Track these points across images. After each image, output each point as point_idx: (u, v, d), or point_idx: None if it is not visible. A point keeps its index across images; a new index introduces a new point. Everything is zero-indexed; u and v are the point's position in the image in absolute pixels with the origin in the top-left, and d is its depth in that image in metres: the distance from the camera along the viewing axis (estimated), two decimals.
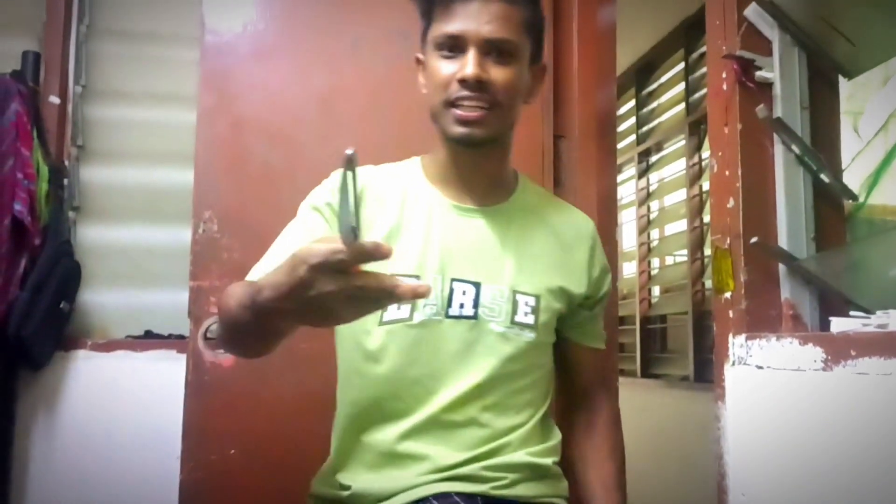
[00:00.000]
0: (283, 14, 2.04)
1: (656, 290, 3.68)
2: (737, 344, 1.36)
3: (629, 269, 3.97)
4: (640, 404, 4.10)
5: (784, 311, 1.36)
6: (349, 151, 0.74)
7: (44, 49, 2.17)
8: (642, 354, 3.65)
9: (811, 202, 1.40)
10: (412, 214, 1.23)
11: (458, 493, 1.12)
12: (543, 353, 1.26)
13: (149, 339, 2.17)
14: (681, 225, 3.44)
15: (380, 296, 0.78)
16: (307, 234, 1.20)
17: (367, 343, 1.19)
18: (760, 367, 1.30)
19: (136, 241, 2.23)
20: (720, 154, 1.44)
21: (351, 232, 0.75)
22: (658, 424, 4.05)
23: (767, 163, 1.40)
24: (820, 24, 1.39)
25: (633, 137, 3.76)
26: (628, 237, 3.92)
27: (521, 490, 1.17)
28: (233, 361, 1.98)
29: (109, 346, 2.14)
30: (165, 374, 2.10)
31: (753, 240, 1.35)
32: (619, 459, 1.31)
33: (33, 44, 2.18)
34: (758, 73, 1.40)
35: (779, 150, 1.40)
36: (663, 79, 3.53)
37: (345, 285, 0.77)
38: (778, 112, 1.39)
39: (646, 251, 3.68)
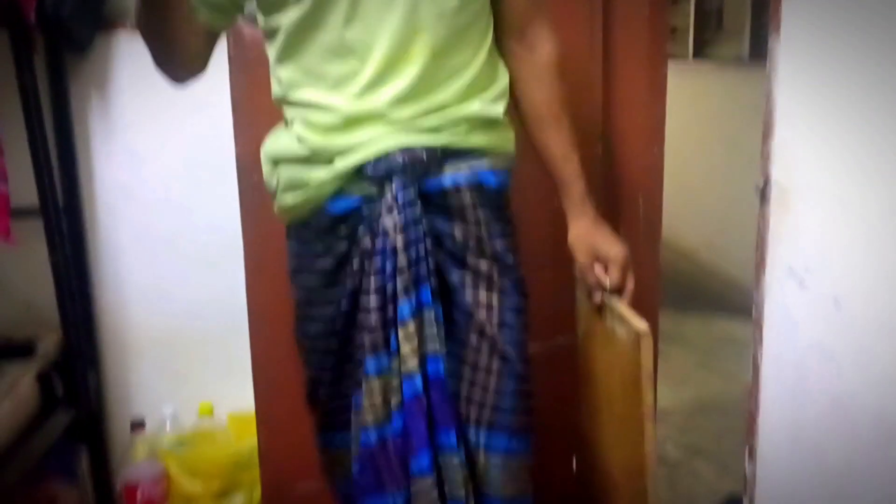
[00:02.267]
0: None
1: None
2: None
3: None
4: (690, 90, 4.01)
5: None
6: None
7: None
8: (696, 35, 3.51)
9: None
10: None
11: (423, 147, 1.18)
12: None
13: None
14: None
15: None
16: None
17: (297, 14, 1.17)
18: None
19: None
20: None
21: None
22: (707, 109, 3.99)
23: None
24: None
25: None
26: None
27: (475, 140, 1.23)
28: None
29: None
30: None
31: None
32: (567, 119, 1.31)
33: None
34: None
35: None
36: None
37: None
38: None
39: None
